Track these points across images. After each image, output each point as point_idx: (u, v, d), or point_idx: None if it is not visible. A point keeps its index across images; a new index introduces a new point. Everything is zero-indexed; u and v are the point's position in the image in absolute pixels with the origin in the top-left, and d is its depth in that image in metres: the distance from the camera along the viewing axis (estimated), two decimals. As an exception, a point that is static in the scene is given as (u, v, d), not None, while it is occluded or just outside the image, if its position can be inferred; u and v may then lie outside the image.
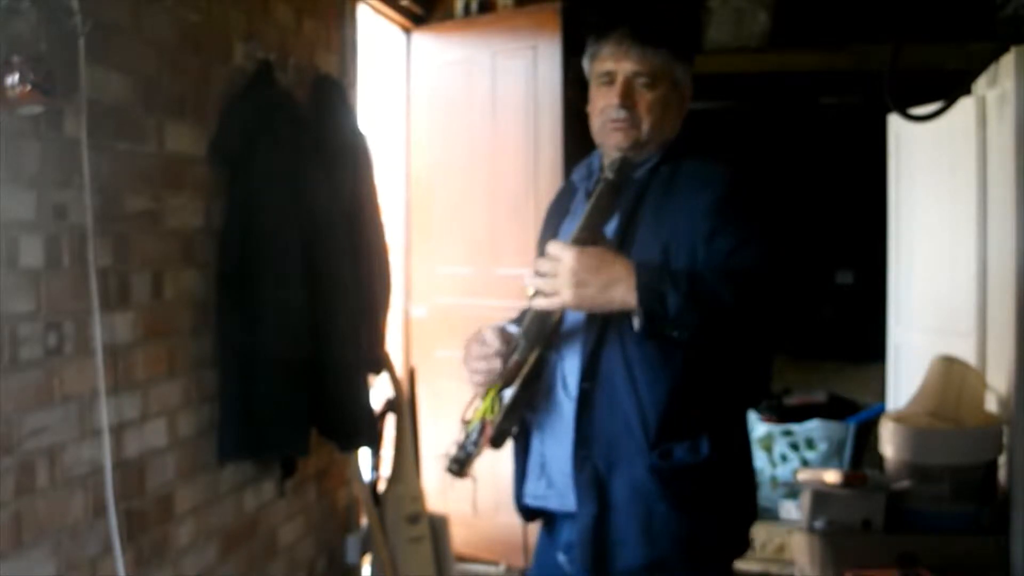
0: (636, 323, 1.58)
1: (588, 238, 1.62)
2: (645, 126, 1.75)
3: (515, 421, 1.75)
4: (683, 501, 1.67)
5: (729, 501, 1.74)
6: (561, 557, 1.79)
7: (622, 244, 1.69)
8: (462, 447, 1.71)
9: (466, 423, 1.71)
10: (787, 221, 1.73)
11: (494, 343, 1.72)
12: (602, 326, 1.68)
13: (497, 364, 1.71)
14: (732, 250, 1.62)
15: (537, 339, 1.69)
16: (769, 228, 1.68)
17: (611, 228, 1.73)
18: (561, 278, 1.57)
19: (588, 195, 1.78)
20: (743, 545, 1.81)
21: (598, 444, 1.69)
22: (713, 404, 1.71)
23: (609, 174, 1.68)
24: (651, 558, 1.67)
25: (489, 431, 1.69)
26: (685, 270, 1.59)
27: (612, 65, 1.76)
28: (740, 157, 1.78)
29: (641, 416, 1.66)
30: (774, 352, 1.83)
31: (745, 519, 1.81)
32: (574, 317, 1.72)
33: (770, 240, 1.66)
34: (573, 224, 1.75)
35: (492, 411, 1.70)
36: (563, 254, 1.57)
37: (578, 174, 1.90)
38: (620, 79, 1.75)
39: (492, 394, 1.70)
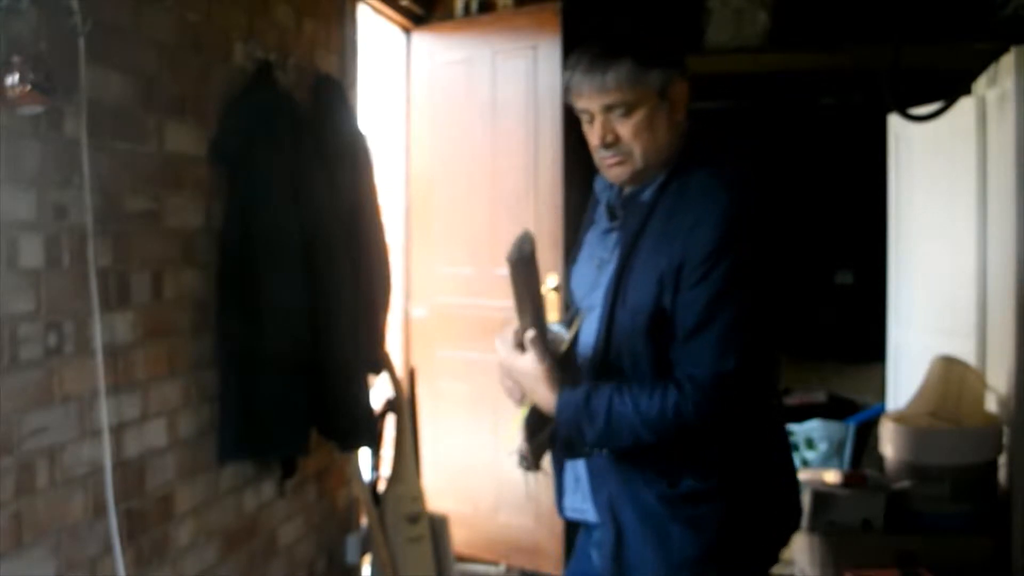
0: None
1: (528, 315, 1.68)
2: (637, 154, 1.68)
3: (537, 432, 1.76)
4: (695, 524, 1.66)
5: (750, 519, 1.70)
6: (594, 553, 1.80)
7: (619, 281, 1.67)
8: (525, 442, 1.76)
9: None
10: (775, 260, 1.68)
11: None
12: (605, 355, 1.69)
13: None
14: (696, 325, 1.59)
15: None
16: (743, 290, 1.61)
17: (614, 260, 1.71)
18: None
19: (608, 208, 1.80)
20: (770, 559, 1.78)
21: (610, 471, 1.71)
22: (720, 434, 1.67)
23: (511, 255, 1.65)
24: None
25: (524, 446, 1.76)
26: (606, 402, 1.61)
27: (584, 103, 1.69)
28: (749, 170, 1.70)
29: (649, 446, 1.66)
30: (775, 364, 1.78)
31: (774, 533, 1.78)
32: (585, 343, 1.72)
33: (735, 310, 1.59)
34: (596, 234, 1.82)
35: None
36: (504, 360, 1.71)
37: (599, 184, 1.86)
38: (597, 118, 1.68)
39: (527, 406, 1.74)
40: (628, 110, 1.65)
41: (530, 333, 1.66)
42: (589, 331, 1.72)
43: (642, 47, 1.67)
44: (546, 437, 1.76)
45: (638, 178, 1.71)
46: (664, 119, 1.68)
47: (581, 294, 1.79)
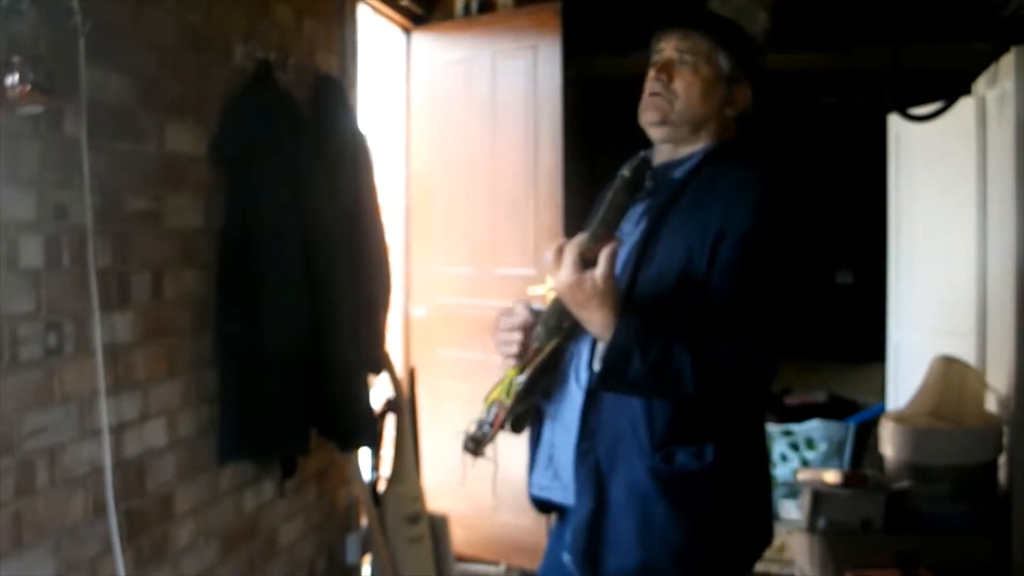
0: (596, 366, 1.61)
1: (603, 235, 1.61)
2: (678, 104, 1.74)
3: (527, 408, 1.74)
4: (682, 506, 1.64)
5: (733, 514, 1.68)
6: (566, 557, 1.77)
7: (646, 246, 1.68)
8: (480, 426, 1.70)
9: (486, 402, 1.72)
10: (806, 251, 1.73)
11: (522, 314, 1.73)
12: None
13: (517, 337, 1.71)
14: (735, 296, 1.60)
15: (556, 329, 1.69)
16: (782, 271, 1.65)
17: (639, 226, 1.71)
18: (557, 281, 1.60)
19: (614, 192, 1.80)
20: (746, 564, 1.77)
21: (602, 438, 1.67)
22: (723, 411, 1.66)
23: (626, 171, 1.66)
24: (644, 561, 1.64)
25: (502, 415, 1.69)
26: (662, 338, 1.56)
27: (662, 45, 1.78)
28: (782, 165, 1.74)
29: (648, 415, 1.64)
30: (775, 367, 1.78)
31: (750, 536, 1.75)
32: None
33: (775, 289, 1.63)
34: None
35: (507, 395, 1.70)
36: (561, 274, 1.58)
37: (627, 168, 1.89)
38: (663, 59, 1.76)
39: (509, 377, 1.70)
40: (694, 66, 1.75)
41: (611, 246, 1.58)
42: None
43: (722, 31, 1.80)
44: (522, 412, 1.73)
45: (666, 126, 1.75)
46: (717, 102, 1.77)
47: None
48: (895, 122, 4.45)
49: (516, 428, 1.77)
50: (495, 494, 3.89)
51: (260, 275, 2.58)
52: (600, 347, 1.60)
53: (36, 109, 1.85)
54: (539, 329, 1.70)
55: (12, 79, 1.76)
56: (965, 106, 3.88)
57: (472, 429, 1.70)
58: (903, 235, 4.58)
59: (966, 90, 3.95)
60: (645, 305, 1.64)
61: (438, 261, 4.22)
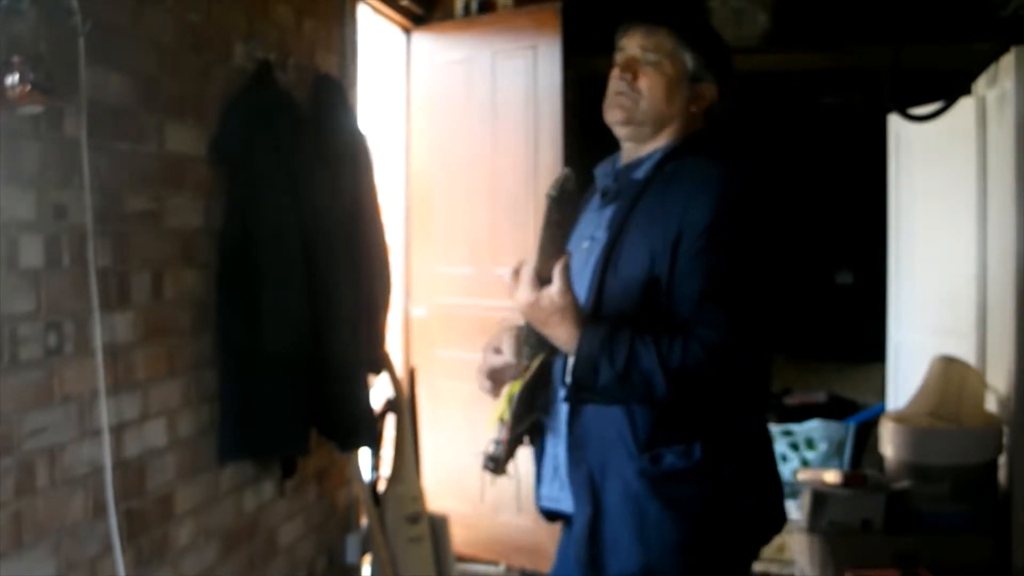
0: (567, 379, 1.63)
1: (554, 251, 1.62)
2: (643, 104, 1.74)
3: (526, 423, 1.76)
4: (674, 505, 1.64)
5: (726, 512, 1.68)
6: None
7: (611, 252, 1.68)
8: (496, 445, 1.72)
9: (500, 420, 1.73)
10: (774, 239, 1.70)
11: (507, 355, 1.74)
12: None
13: (488, 385, 1.76)
14: (701, 294, 1.60)
15: (538, 344, 1.70)
16: (748, 259, 1.64)
17: (604, 234, 1.72)
18: (517, 303, 1.63)
19: (603, 191, 1.81)
20: (746, 558, 1.77)
21: (591, 447, 1.69)
22: (707, 410, 1.66)
23: (552, 191, 1.64)
24: (645, 563, 1.65)
25: (507, 433, 1.71)
26: (627, 344, 1.57)
27: (624, 42, 1.77)
28: (746, 155, 1.74)
29: (630, 420, 1.65)
30: (770, 362, 1.77)
31: (745, 535, 1.75)
32: None
33: (743, 279, 1.62)
34: (588, 214, 1.81)
35: (508, 411, 1.71)
36: (519, 295, 1.61)
37: (600, 171, 1.88)
38: (627, 54, 1.76)
39: (509, 393, 1.71)
40: (658, 65, 1.74)
41: (562, 261, 1.60)
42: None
43: (684, 25, 1.78)
44: (526, 428, 1.75)
45: (631, 126, 1.76)
46: (681, 99, 1.76)
47: (571, 275, 1.78)
48: (895, 122, 4.45)
49: (532, 441, 1.81)
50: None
51: (260, 275, 2.58)
52: (570, 360, 1.62)
53: (36, 109, 1.85)
54: (524, 346, 1.72)
55: (12, 79, 1.76)
56: (965, 106, 3.88)
57: (490, 449, 1.73)
58: (903, 235, 4.58)
59: (966, 90, 3.94)
60: (611, 312, 1.65)
61: (438, 261, 4.22)
